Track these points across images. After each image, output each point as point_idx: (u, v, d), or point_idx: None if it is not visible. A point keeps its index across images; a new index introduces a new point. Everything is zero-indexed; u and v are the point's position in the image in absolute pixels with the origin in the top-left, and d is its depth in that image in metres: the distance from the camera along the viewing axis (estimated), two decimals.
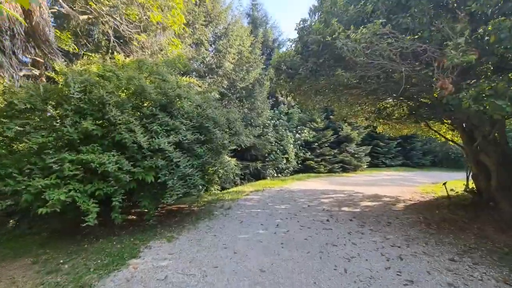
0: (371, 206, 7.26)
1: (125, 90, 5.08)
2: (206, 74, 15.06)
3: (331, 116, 20.12)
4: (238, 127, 13.38)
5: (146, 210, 4.78)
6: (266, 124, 16.81)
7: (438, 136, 10.26)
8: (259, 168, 14.92)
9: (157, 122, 4.80)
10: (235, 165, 13.42)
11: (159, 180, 4.42)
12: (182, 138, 4.90)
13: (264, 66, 17.99)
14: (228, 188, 12.39)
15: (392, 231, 5.00)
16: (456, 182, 11.82)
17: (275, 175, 15.37)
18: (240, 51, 15.19)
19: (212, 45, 15.90)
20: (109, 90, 4.55)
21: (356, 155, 18.95)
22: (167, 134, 4.85)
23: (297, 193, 9.25)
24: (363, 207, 7.17)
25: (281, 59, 6.08)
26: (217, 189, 10.63)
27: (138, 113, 5.00)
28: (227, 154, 12.94)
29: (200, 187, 5.33)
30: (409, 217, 6.03)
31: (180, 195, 4.53)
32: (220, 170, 6.67)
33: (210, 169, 6.12)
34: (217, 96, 15.06)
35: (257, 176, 15.33)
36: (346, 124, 19.00)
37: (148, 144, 4.40)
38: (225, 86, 15.84)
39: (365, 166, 19.48)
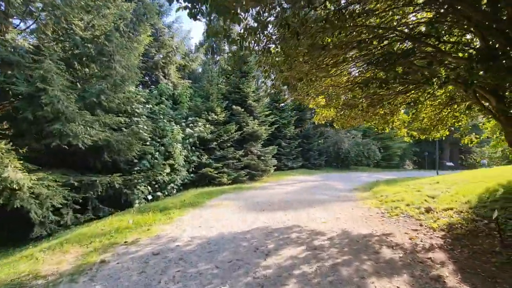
0: None
1: None
2: None
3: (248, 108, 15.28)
4: (60, 105, 6.28)
5: None
6: (136, 110, 10.08)
7: (397, 131, 7.23)
8: (118, 186, 8.09)
9: None
10: (52, 188, 6.12)
11: None
12: None
13: (133, 18, 11.09)
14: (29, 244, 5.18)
15: None
16: (384, 188, 9.43)
17: (150, 197, 8.91)
18: None
19: None
20: None
21: (262, 158, 15.06)
22: None
23: (198, 263, 3.62)
24: None
25: None
26: None
27: None
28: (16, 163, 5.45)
29: None
30: None
31: None
32: None
33: None
34: (28, 46, 7.62)
35: (116, 202, 8.44)
36: (251, 117, 14.79)
37: None
38: (51, 35, 8.32)
39: (273, 171, 15.95)
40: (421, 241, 4.39)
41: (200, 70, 24.99)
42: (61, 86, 6.31)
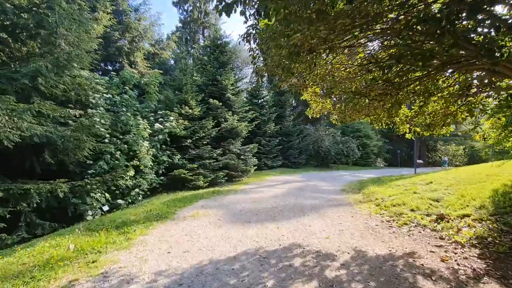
0: None
1: None
2: None
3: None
4: None
5: None
6: (92, 100, 8.35)
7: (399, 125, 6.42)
8: (63, 195, 6.39)
9: None
10: None
11: None
12: None
13: None
14: None
15: None
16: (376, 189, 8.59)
17: (106, 208, 7.28)
18: None
19: None
20: None
21: (242, 157, 13.81)
22: None
23: None
24: None
25: None
26: None
27: None
28: None
29: None
30: None
31: None
32: None
33: None
34: None
35: (62, 215, 6.77)
36: (230, 112, 13.46)
37: None
38: None
39: (253, 171, 14.75)
40: (458, 264, 3.45)
41: (172, 62, 22.98)
42: None
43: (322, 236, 4.69)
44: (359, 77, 4.29)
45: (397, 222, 5.50)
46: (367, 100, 5.05)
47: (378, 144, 28.15)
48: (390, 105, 5.41)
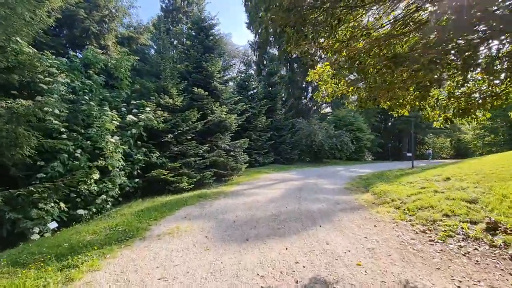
0: None
1: None
2: None
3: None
4: None
5: None
6: (41, 85, 6.65)
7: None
8: None
9: None
10: None
11: None
12: None
13: None
14: None
15: None
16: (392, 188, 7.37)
17: (52, 225, 5.60)
18: None
19: None
20: None
21: (232, 153, 12.37)
22: None
23: None
24: None
25: None
26: None
27: None
28: None
29: None
30: None
31: None
32: None
33: None
34: None
35: None
36: (218, 103, 11.93)
37: None
38: None
39: (244, 168, 13.31)
40: None
41: (152, 52, 21.03)
42: None
43: (351, 261, 3.37)
44: (404, 37, 2.96)
45: (436, 234, 4.28)
46: (404, 74, 3.77)
47: (370, 137, 27.41)
48: (428, 82, 4.14)
